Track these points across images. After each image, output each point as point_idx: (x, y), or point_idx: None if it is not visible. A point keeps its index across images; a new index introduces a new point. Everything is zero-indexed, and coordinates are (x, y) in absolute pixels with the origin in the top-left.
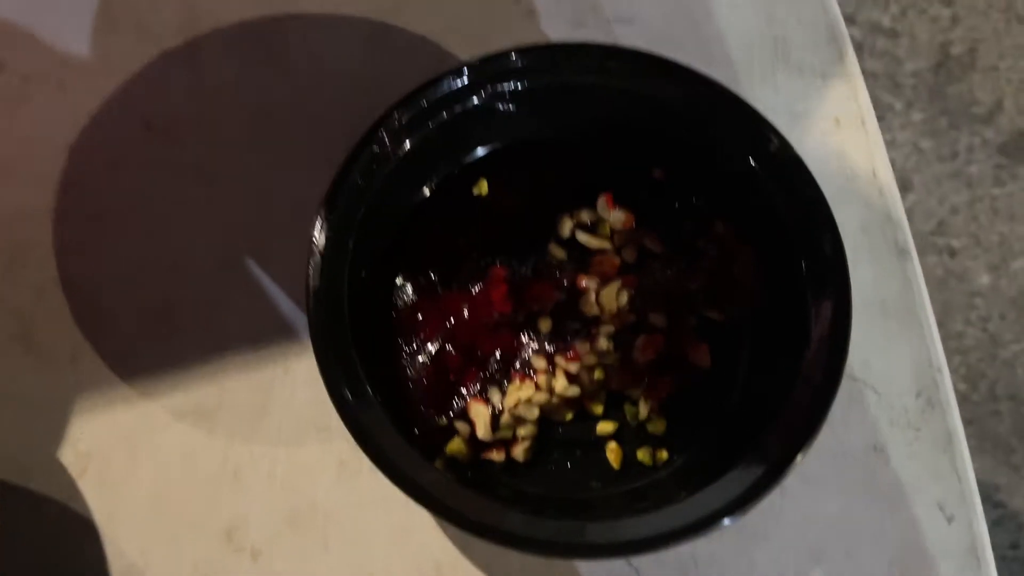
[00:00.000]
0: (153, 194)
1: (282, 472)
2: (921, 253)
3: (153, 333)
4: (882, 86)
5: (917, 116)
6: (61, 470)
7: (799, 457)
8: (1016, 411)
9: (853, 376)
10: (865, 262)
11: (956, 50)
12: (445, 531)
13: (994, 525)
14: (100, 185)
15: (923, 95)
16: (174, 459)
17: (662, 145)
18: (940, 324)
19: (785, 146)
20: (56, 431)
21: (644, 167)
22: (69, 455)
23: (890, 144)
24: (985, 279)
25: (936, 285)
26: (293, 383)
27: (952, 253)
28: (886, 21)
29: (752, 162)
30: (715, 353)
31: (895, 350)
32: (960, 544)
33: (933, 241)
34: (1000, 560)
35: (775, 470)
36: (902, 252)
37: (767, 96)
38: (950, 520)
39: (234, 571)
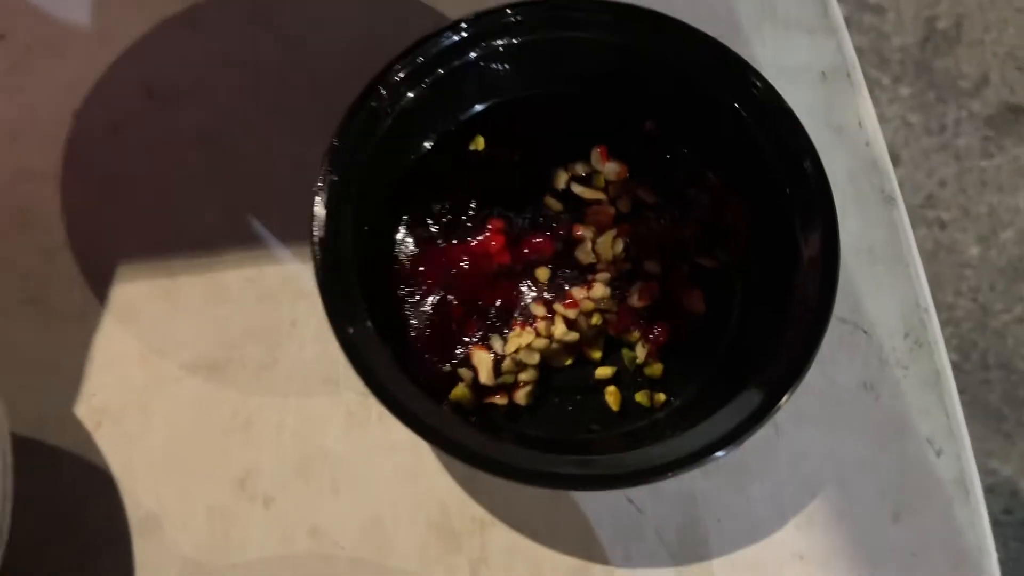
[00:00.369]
0: (155, 157)
1: (292, 422)
2: (911, 226)
3: (161, 292)
4: (869, 61)
5: (905, 91)
6: (76, 424)
7: (788, 393)
8: (1007, 379)
9: (843, 318)
10: (853, 211)
11: (942, 24)
12: (451, 474)
13: (987, 491)
14: (104, 149)
15: (910, 69)
16: (186, 412)
17: (653, 98)
18: (931, 295)
19: (769, 90)
20: (70, 387)
21: (636, 120)
22: (84, 410)
23: (878, 118)
24: (975, 250)
25: (926, 257)
26: (301, 337)
27: (942, 225)
28: None
29: (739, 108)
30: (709, 298)
31: (884, 293)
32: (949, 475)
33: (923, 214)
34: (994, 525)
35: (766, 405)
36: (888, 199)
37: (754, 51)
38: (939, 453)
39: (247, 517)
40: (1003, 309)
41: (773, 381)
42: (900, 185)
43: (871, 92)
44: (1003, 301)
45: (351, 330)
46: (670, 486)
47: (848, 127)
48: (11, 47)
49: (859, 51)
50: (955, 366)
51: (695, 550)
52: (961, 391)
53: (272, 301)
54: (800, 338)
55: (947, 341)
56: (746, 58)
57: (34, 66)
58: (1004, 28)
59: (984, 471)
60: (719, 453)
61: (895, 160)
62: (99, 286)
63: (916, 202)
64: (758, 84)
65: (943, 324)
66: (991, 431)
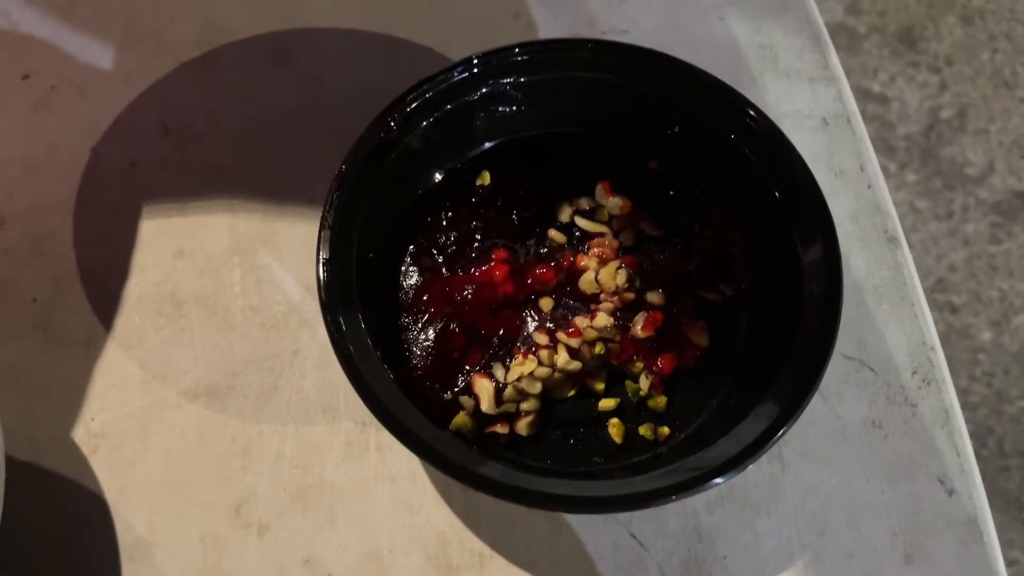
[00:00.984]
0: (168, 190)
1: (290, 450)
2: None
3: (166, 320)
4: (875, 148)
5: (911, 177)
6: (73, 448)
7: (789, 424)
8: None
9: (849, 356)
10: (857, 251)
11: (946, 114)
12: (451, 506)
13: None
14: (119, 183)
15: (916, 157)
16: (185, 438)
17: (657, 137)
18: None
19: (768, 124)
20: (69, 412)
21: (641, 159)
22: (82, 434)
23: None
24: (987, 335)
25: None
26: (302, 366)
27: (953, 310)
28: (876, 87)
29: (740, 143)
30: (713, 331)
31: (889, 331)
32: (962, 516)
33: (934, 298)
34: None
35: (767, 435)
36: (892, 240)
37: (757, 99)
38: (950, 493)
39: (241, 545)
40: (1019, 395)
41: (774, 412)
42: None
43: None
44: (1018, 387)
45: (353, 352)
46: (674, 521)
47: (849, 171)
48: (36, 86)
49: None
50: None
51: None
52: None
53: (275, 330)
54: (802, 371)
55: None
56: None
57: (57, 104)
58: (1008, 118)
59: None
60: (717, 480)
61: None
62: (106, 314)
63: (927, 286)
64: (757, 119)
65: None
66: (1012, 520)
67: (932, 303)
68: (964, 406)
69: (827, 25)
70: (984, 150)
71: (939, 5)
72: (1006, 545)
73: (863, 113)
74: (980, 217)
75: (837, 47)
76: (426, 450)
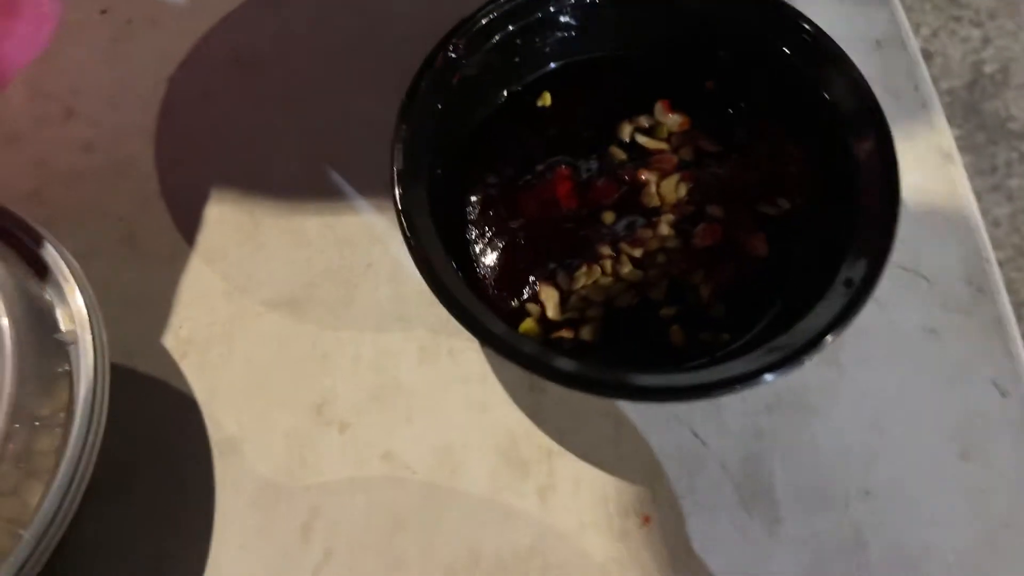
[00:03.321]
0: (240, 117)
1: (367, 355)
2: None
3: (245, 236)
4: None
5: (955, 132)
6: (164, 354)
7: (843, 326)
8: None
9: (904, 266)
10: (912, 167)
11: (989, 69)
12: (519, 405)
13: None
14: (194, 110)
15: (959, 112)
16: (267, 344)
17: (713, 58)
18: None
19: (821, 35)
20: (159, 321)
21: (698, 79)
22: (171, 341)
23: None
24: None
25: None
26: (376, 279)
27: (998, 264)
28: (919, 43)
29: (793, 57)
30: (771, 242)
31: (944, 243)
32: (1016, 417)
33: None
34: None
35: (819, 335)
36: (946, 156)
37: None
38: (1004, 395)
39: (323, 441)
40: None
41: (831, 316)
42: None
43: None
44: None
45: (430, 257)
46: (734, 421)
47: (904, 91)
48: (113, 20)
49: None
50: None
51: (759, 482)
52: None
53: (349, 245)
54: (859, 277)
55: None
56: None
57: (133, 37)
58: None
59: None
60: (771, 375)
61: None
62: (188, 231)
63: None
64: (812, 33)
65: None
66: None
67: None
68: None
69: None
70: None
71: None
72: None
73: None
74: None
75: (879, 2)
76: (499, 343)
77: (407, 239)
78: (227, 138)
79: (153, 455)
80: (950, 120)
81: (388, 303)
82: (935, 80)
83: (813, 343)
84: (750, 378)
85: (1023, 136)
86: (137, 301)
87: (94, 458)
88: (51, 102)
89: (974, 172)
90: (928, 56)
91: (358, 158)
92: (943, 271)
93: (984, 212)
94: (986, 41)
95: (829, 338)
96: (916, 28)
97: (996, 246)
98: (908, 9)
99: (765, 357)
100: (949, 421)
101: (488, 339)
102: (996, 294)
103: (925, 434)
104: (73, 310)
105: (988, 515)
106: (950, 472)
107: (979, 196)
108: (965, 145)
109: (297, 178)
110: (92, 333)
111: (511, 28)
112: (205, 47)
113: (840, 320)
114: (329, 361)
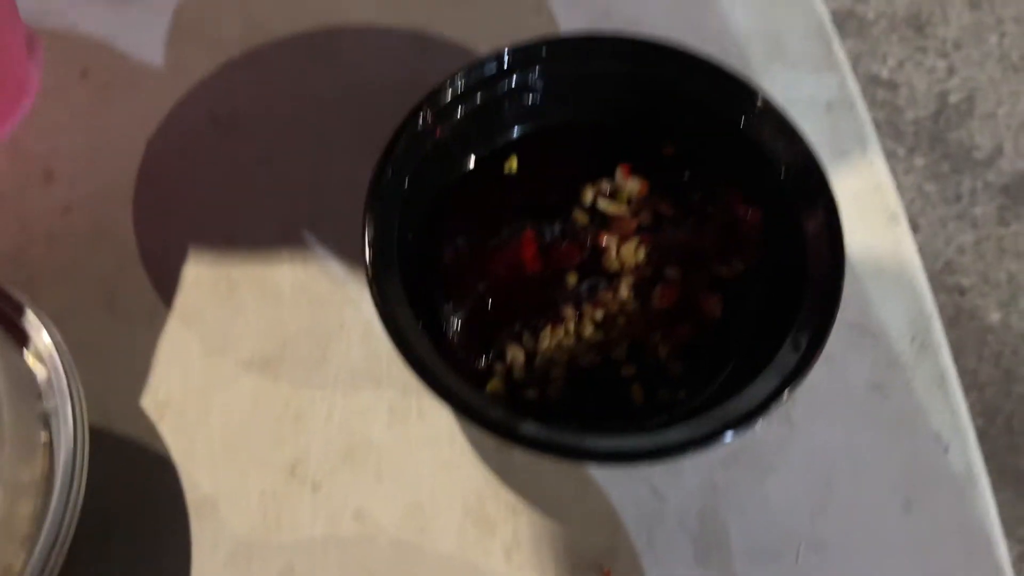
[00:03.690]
0: (218, 179)
1: (339, 415)
2: (930, 291)
3: (221, 298)
4: (884, 133)
5: (920, 161)
6: (142, 415)
7: (794, 384)
8: None
9: (852, 323)
10: (859, 228)
11: (954, 98)
12: (486, 464)
13: (1018, 560)
14: (172, 171)
15: (924, 141)
16: (242, 405)
17: (670, 124)
18: (954, 361)
19: (771, 108)
20: (138, 382)
21: (656, 144)
22: (149, 403)
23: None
24: (996, 316)
25: (948, 323)
26: (348, 339)
27: (962, 292)
28: (884, 73)
29: (746, 127)
30: (726, 303)
31: (889, 301)
32: (957, 469)
33: (942, 280)
34: None
35: (774, 395)
36: (892, 216)
37: (764, 86)
38: (946, 449)
39: (296, 499)
40: None
41: (783, 375)
42: (919, 252)
43: (886, 162)
44: None
45: (398, 322)
46: (691, 477)
47: (852, 152)
48: (92, 83)
49: (873, 124)
50: (981, 432)
51: (715, 536)
52: (987, 457)
53: (322, 305)
54: (808, 337)
55: (972, 407)
56: None
57: (112, 99)
58: (1016, 101)
59: (1013, 539)
60: (729, 434)
61: (913, 228)
62: (166, 292)
63: (936, 269)
64: (765, 106)
65: (966, 389)
66: (1020, 496)
67: (941, 285)
68: (972, 386)
69: (837, 12)
70: (992, 133)
71: None
72: (1014, 521)
73: (872, 98)
74: (988, 200)
75: (846, 34)
76: (466, 408)
77: (377, 305)
78: (204, 200)
79: (131, 515)
80: (915, 150)
81: (360, 363)
82: (901, 110)
83: (764, 406)
84: (709, 439)
85: (988, 164)
86: (116, 363)
87: (74, 524)
88: (31, 164)
89: (939, 200)
90: (894, 86)
91: (332, 220)
92: (889, 328)
93: (948, 240)
94: (951, 71)
95: (784, 396)
96: (883, 59)
97: (961, 273)
98: (874, 40)
99: (719, 419)
100: (893, 475)
101: (454, 403)
102: (939, 350)
103: (871, 487)
104: (53, 379)
105: (928, 567)
106: (894, 524)
107: (944, 224)
108: (930, 174)
109: (273, 239)
110: (72, 402)
111: (480, 96)
112: (183, 110)
113: (789, 382)
114: (302, 421)
